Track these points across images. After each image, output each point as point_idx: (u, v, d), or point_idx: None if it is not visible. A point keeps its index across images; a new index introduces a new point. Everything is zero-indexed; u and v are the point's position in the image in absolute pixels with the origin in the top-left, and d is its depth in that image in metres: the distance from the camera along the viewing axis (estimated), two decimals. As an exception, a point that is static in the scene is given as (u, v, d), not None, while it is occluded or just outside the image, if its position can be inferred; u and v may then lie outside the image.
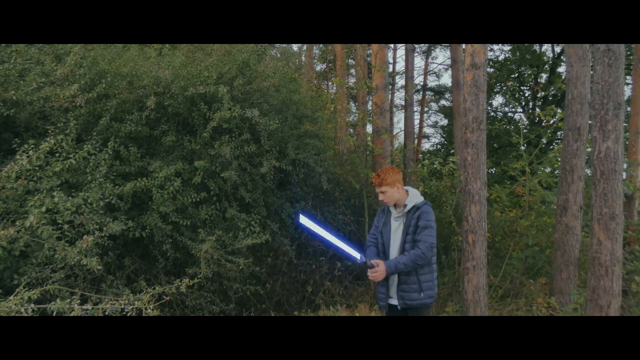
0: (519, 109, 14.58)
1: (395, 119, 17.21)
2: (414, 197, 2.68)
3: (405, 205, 2.66)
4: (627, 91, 8.90)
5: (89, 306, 2.13)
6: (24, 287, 2.08)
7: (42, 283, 2.42)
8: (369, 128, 6.94)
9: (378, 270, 2.48)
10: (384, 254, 2.69)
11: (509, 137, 8.06)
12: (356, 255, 2.57)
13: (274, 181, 4.10)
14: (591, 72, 4.46)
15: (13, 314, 1.93)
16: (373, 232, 2.84)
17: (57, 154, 2.75)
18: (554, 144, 11.73)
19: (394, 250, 2.64)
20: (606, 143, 3.09)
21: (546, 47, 13.24)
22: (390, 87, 14.11)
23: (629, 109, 7.53)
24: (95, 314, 2.17)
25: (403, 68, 13.17)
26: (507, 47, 13.70)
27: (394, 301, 2.63)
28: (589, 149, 4.78)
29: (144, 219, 3.10)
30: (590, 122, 4.50)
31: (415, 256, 2.48)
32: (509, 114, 14.55)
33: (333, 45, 9.63)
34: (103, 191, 2.84)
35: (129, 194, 3.03)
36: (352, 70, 11.03)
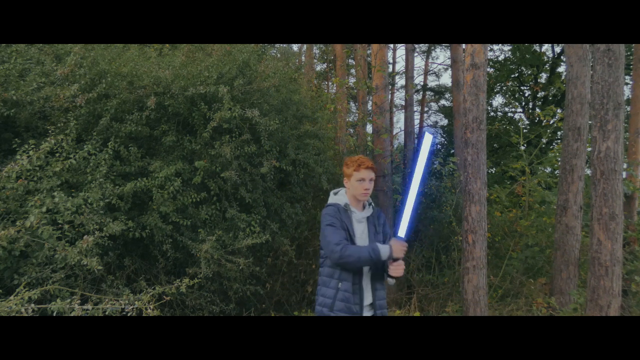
0: (519, 109, 14.57)
1: (395, 119, 17.20)
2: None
3: (370, 204, 2.35)
4: (627, 91, 8.90)
5: (89, 306, 2.13)
6: (24, 287, 2.08)
7: (43, 283, 2.42)
8: (369, 128, 6.94)
9: (402, 266, 2.13)
10: None
11: (509, 137, 8.08)
12: (402, 233, 2.16)
13: (274, 181, 4.10)
14: (591, 72, 4.46)
15: (13, 314, 1.93)
16: (340, 233, 2.18)
17: (57, 154, 2.74)
18: (554, 144, 11.73)
19: None
20: (606, 143, 3.10)
21: (546, 47, 13.23)
22: (390, 87, 14.10)
23: (628, 109, 7.54)
24: (96, 314, 2.17)
25: (403, 68, 13.17)
26: (507, 47, 13.70)
27: (368, 311, 2.22)
28: (589, 149, 4.78)
29: (144, 219, 3.09)
30: (590, 122, 4.50)
31: None
32: (509, 114, 14.54)
33: (333, 45, 9.63)
34: (103, 191, 2.84)
35: (129, 194, 3.03)
36: (352, 70, 11.02)
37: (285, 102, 4.40)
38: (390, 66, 14.78)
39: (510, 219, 6.03)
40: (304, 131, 4.45)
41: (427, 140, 2.14)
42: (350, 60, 11.29)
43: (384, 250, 2.12)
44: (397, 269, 2.14)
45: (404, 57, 12.33)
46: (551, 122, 9.77)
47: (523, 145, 7.24)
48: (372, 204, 2.38)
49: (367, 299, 2.21)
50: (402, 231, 2.16)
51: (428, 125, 18.69)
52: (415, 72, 14.39)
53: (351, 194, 2.32)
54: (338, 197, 2.36)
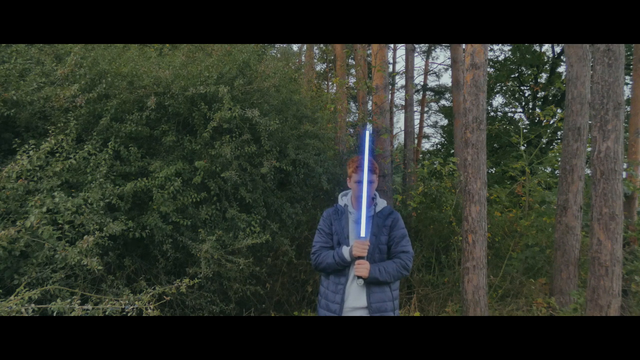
0: (519, 109, 14.58)
1: (395, 119, 17.21)
2: (379, 199, 2.42)
3: (376, 205, 2.36)
4: (627, 91, 8.91)
5: (89, 306, 2.13)
6: (24, 287, 2.08)
7: (43, 283, 2.42)
8: (369, 128, 6.94)
9: (365, 266, 2.15)
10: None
11: (509, 137, 8.08)
12: (363, 231, 2.20)
13: (274, 181, 4.10)
14: (591, 72, 4.46)
15: (13, 314, 1.93)
16: (321, 239, 2.35)
17: (57, 154, 2.75)
18: (554, 144, 11.74)
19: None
20: (606, 143, 3.10)
21: (546, 47, 13.25)
22: (390, 87, 14.10)
23: (628, 109, 7.54)
24: (96, 314, 2.17)
25: (403, 68, 13.18)
26: (507, 47, 13.71)
27: (360, 312, 2.24)
28: (589, 149, 4.79)
29: (144, 219, 3.09)
30: (590, 122, 4.50)
31: (402, 267, 2.23)
32: (509, 114, 14.56)
33: (333, 45, 9.63)
34: (103, 191, 2.84)
35: (129, 194, 3.03)
36: (352, 70, 11.02)
37: (285, 102, 4.40)
38: (390, 66, 14.79)
39: (510, 219, 6.03)
40: (304, 131, 4.44)
41: (366, 137, 2.29)
42: (350, 60, 11.30)
43: (346, 252, 2.20)
44: (359, 269, 2.16)
45: (404, 57, 12.34)
46: (551, 122, 9.78)
47: (523, 145, 7.24)
48: (377, 203, 2.38)
49: (355, 300, 2.24)
50: (363, 230, 2.19)
51: (428, 125, 18.72)
52: (415, 72, 14.40)
53: (352, 194, 2.38)
54: (341, 198, 2.44)
